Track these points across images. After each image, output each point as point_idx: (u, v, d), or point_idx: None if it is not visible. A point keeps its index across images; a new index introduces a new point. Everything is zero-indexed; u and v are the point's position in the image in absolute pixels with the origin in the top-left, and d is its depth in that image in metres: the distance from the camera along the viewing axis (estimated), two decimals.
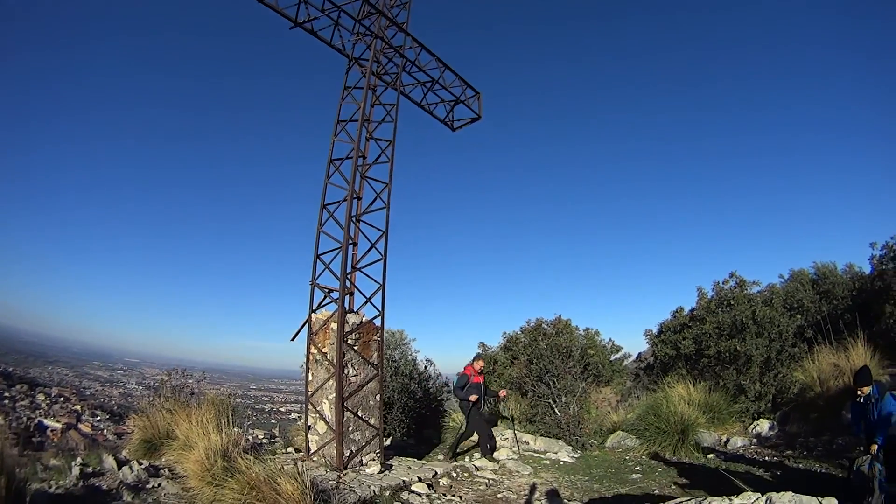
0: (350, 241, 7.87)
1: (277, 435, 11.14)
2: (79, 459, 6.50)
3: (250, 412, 10.46)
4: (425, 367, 13.05)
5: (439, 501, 6.65)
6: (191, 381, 9.39)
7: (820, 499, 4.55)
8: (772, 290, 12.20)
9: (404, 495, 6.58)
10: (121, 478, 6.04)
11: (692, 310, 12.59)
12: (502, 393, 10.44)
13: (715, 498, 4.85)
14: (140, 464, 6.53)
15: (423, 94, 9.98)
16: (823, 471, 7.39)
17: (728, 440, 9.25)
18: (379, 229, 8.20)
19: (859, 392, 5.91)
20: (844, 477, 5.86)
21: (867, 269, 14.38)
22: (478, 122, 10.82)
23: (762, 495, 4.70)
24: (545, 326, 12.41)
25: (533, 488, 7.45)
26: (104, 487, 5.82)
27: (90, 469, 6.29)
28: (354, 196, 7.95)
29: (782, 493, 4.63)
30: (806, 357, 10.38)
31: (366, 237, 8.16)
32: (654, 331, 13.24)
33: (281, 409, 34.51)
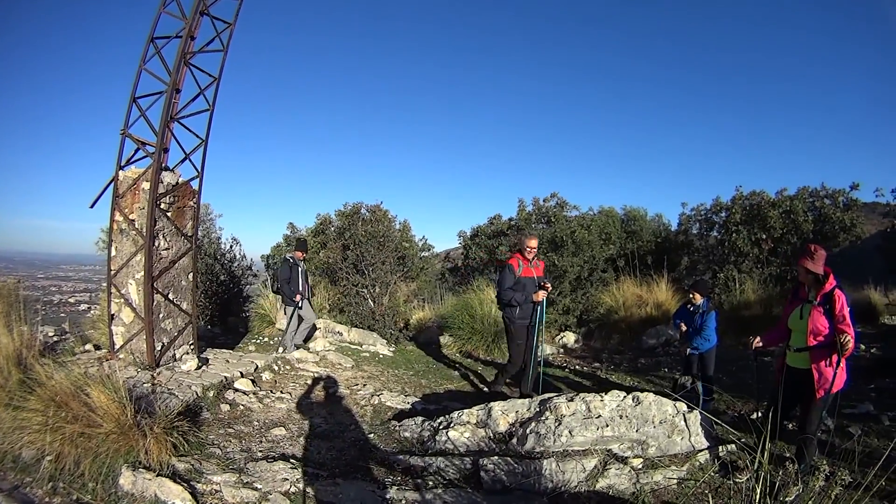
0: (175, 86, 6.02)
1: (69, 330, 8.87)
2: None
3: (39, 306, 8.03)
4: (230, 246, 11.55)
5: (268, 399, 5.81)
6: None
7: (674, 402, 4.95)
8: (586, 216, 13.12)
9: (229, 394, 5.61)
10: None
11: (511, 219, 12.93)
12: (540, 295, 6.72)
13: (587, 394, 5.01)
14: None
15: None
16: (635, 385, 8.06)
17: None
18: (211, 75, 6.42)
19: (693, 296, 6.46)
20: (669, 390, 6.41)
21: (674, 224, 16.60)
22: None
23: (628, 394, 4.98)
24: (364, 212, 11.63)
25: (364, 384, 6.97)
26: None
27: None
28: (190, 33, 6.03)
29: (645, 392, 4.98)
30: (614, 284, 11.47)
31: (196, 82, 6.35)
32: (468, 233, 13.37)
33: (70, 300, 28.09)
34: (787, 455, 4.54)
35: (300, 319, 8.55)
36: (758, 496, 2.75)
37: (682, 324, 6.53)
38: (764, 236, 13.07)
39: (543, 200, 13.30)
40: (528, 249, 6.70)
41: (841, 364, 4.28)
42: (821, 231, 13.44)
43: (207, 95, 6.48)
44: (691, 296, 6.50)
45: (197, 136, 6.50)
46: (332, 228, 11.85)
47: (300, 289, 8.45)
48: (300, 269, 8.56)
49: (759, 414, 5.21)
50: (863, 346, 10.37)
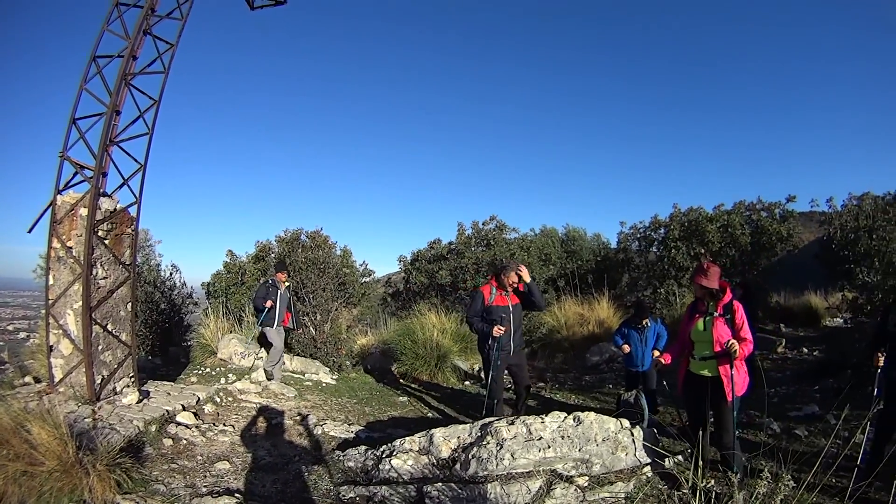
0: (115, 108, 5.93)
1: (7, 360, 8.34)
2: None
3: None
4: (170, 274, 11.26)
5: (212, 432, 5.71)
6: None
7: (617, 419, 5.18)
8: (526, 238, 13.47)
9: (172, 428, 5.49)
10: None
11: (450, 242, 13.15)
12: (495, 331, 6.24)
13: (528, 417, 5.12)
14: None
15: None
16: (580, 402, 8.32)
17: (481, 370, 9.93)
18: (151, 98, 6.31)
19: (645, 323, 6.90)
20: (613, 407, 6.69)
21: (613, 242, 17.20)
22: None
23: (569, 414, 5.10)
24: (304, 238, 11.62)
25: (308, 414, 6.91)
26: None
27: None
28: (132, 53, 5.98)
29: (587, 412, 5.12)
30: (555, 303, 11.80)
31: (136, 104, 6.25)
32: (409, 258, 13.49)
33: (9, 327, 25.82)
34: (716, 460, 4.72)
35: (269, 345, 8.33)
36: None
37: (626, 345, 6.95)
38: (703, 251, 13.76)
39: (482, 224, 13.65)
40: (510, 283, 6.43)
41: (744, 369, 4.59)
42: (758, 242, 14.37)
43: (147, 119, 6.35)
44: (645, 322, 6.91)
45: (136, 161, 6.33)
46: (272, 255, 11.75)
47: (275, 312, 8.19)
48: (280, 293, 8.29)
49: (685, 424, 5.44)
50: (805, 350, 10.95)
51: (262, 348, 8.35)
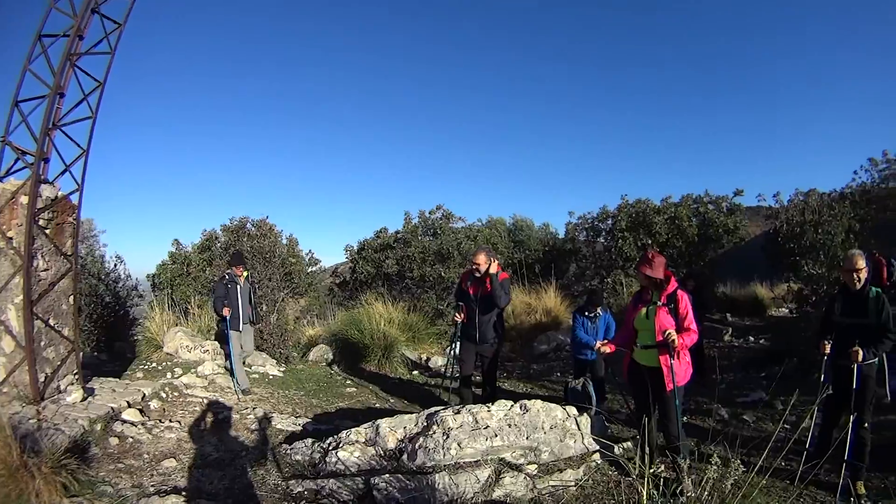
0: (59, 90, 5.74)
1: None
2: None
3: None
4: (115, 265, 10.94)
5: (158, 429, 5.70)
6: None
7: (564, 407, 5.27)
8: (473, 227, 13.65)
9: (117, 426, 5.45)
10: None
11: (397, 232, 13.22)
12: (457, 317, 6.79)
13: (474, 405, 5.17)
14: None
15: None
16: (529, 391, 8.57)
17: (429, 359, 10.17)
18: (96, 79, 6.02)
19: (598, 311, 7.06)
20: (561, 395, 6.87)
21: (561, 232, 17.46)
22: None
23: (515, 402, 5.16)
24: (250, 226, 11.51)
25: (255, 407, 6.94)
26: None
27: None
28: (79, 32, 5.76)
29: (533, 400, 5.20)
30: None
31: (80, 86, 5.99)
32: (355, 247, 13.51)
33: None
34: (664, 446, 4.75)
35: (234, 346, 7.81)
36: (644, 493, 2.86)
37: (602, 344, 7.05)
38: (650, 241, 14.25)
39: (429, 213, 13.74)
40: (474, 266, 6.46)
41: (686, 358, 4.65)
42: (705, 235, 14.94)
43: (91, 102, 6.09)
44: (598, 311, 7.07)
45: (78, 146, 6.06)
46: (219, 245, 11.59)
47: (238, 311, 7.76)
48: (239, 288, 7.86)
49: (632, 411, 5.52)
50: (751, 338, 11.52)
51: (222, 348, 8.11)
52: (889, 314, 4.68)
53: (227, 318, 7.63)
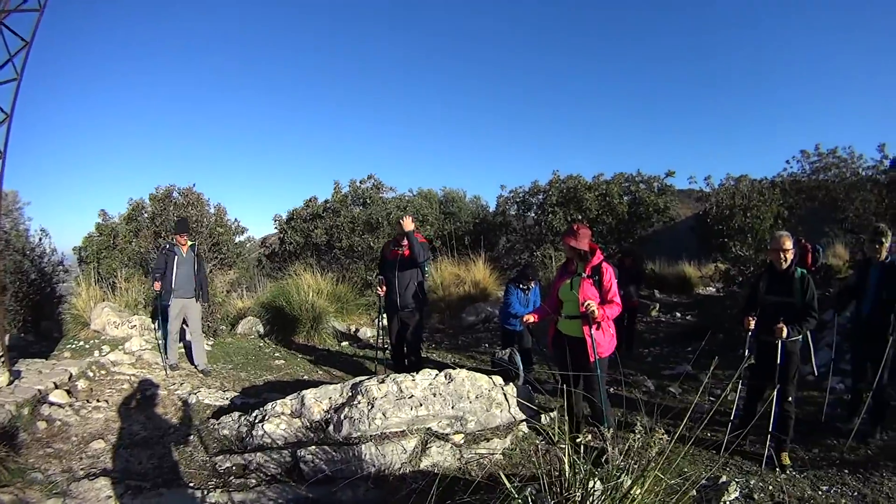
0: None
1: None
2: None
3: None
4: (39, 239, 10.61)
5: (85, 410, 5.84)
6: None
7: (490, 376, 5.39)
8: (403, 198, 13.86)
9: (45, 409, 5.58)
10: None
11: (326, 201, 13.32)
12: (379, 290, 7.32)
13: (398, 375, 5.25)
14: None
15: None
16: (457, 361, 8.90)
17: (358, 330, 10.51)
18: (23, 38, 5.82)
19: (531, 285, 7.30)
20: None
21: (492, 205, 17.66)
22: None
23: (440, 371, 5.27)
24: (176, 195, 11.42)
25: (182, 382, 7.07)
26: None
27: None
28: None
29: (459, 369, 5.33)
30: (432, 264, 12.36)
31: (6, 46, 5.72)
32: (284, 217, 13.54)
33: None
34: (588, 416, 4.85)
35: (184, 323, 7.70)
36: (567, 461, 2.89)
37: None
38: (580, 217, 14.61)
39: (360, 182, 13.89)
40: (398, 233, 6.89)
41: (611, 330, 4.68)
42: (635, 213, 15.41)
43: (16, 62, 5.82)
44: (532, 284, 7.32)
45: (1, 111, 5.84)
46: (146, 215, 11.44)
47: (173, 284, 7.39)
48: (178, 259, 7.47)
49: (557, 381, 5.55)
50: (678, 314, 12.06)
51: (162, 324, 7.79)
52: (814, 294, 4.81)
53: (156, 286, 7.44)
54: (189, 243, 7.76)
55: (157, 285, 7.41)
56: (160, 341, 7.91)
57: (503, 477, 2.85)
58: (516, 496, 2.75)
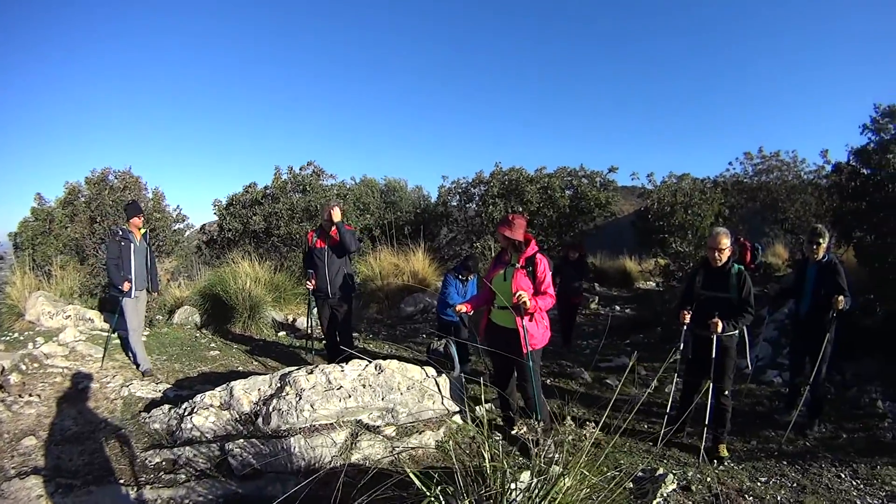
0: None
1: None
2: None
3: None
4: None
5: (17, 405, 5.88)
6: None
7: (422, 367, 5.40)
8: (344, 186, 13.98)
9: None
10: None
11: (266, 187, 13.34)
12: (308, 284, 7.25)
13: (327, 365, 5.20)
14: None
15: None
16: (394, 352, 9.05)
17: (296, 320, 10.59)
18: None
19: (470, 276, 7.33)
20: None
21: (434, 195, 17.82)
22: None
23: (371, 362, 5.23)
24: (112, 178, 11.21)
25: (115, 375, 7.05)
26: None
27: None
28: None
29: (389, 360, 5.29)
30: (370, 253, 12.52)
31: None
32: (224, 202, 13.47)
33: None
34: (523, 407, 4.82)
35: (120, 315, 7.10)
36: (487, 455, 2.87)
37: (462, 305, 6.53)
38: (521, 209, 14.80)
39: (300, 169, 13.86)
40: (325, 221, 6.86)
41: (545, 322, 4.67)
42: (577, 206, 15.74)
43: None
44: (469, 276, 7.30)
45: None
46: (82, 199, 11.19)
47: (131, 273, 6.84)
48: (133, 247, 6.92)
49: (492, 372, 5.52)
50: (618, 307, 12.53)
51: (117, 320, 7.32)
52: (750, 290, 4.87)
53: (124, 287, 6.81)
54: (143, 230, 7.25)
55: (127, 285, 6.83)
56: (114, 341, 7.75)
57: (413, 476, 2.85)
58: (427, 493, 2.73)
